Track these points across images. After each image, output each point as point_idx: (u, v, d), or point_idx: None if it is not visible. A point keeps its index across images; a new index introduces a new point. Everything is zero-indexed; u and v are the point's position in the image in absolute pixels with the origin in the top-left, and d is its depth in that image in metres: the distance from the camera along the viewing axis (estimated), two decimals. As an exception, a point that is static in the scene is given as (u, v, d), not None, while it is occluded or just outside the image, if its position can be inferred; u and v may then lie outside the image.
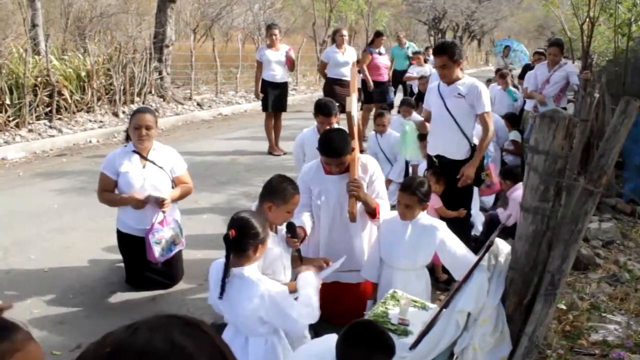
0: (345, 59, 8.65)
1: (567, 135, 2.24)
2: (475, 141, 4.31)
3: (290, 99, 11.66)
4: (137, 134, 3.97)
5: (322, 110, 4.37)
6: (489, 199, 6.12)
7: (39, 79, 9.25)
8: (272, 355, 2.57)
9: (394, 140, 6.07)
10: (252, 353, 2.56)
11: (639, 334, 3.27)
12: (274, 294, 2.52)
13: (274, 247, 3.11)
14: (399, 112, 6.70)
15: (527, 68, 9.88)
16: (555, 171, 2.25)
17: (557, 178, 2.25)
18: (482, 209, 5.70)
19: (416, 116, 6.23)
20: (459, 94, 4.16)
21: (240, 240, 2.54)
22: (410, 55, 11.65)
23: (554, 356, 2.85)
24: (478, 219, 5.24)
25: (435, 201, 4.30)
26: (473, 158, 4.18)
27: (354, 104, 3.58)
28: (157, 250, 3.88)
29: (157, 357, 0.80)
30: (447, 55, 4.15)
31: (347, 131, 3.55)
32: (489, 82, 9.44)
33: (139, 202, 3.89)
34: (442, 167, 4.43)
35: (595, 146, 5.92)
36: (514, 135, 7.15)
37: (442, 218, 4.06)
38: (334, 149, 3.37)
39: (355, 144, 3.51)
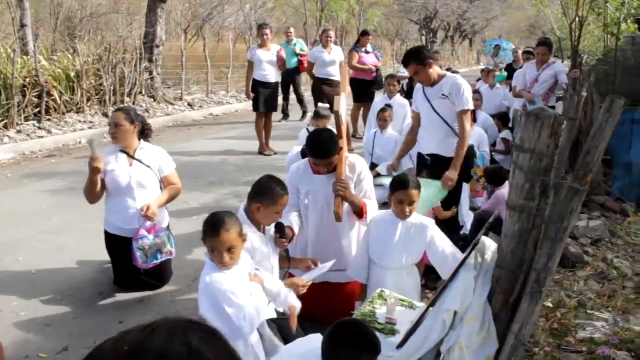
0: (331, 58, 8.73)
1: (553, 134, 2.24)
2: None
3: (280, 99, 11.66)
4: (110, 132, 4.06)
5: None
6: (482, 199, 6.13)
7: (27, 80, 9.19)
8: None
9: (393, 141, 6.08)
10: None
11: (625, 331, 3.29)
12: (217, 290, 2.54)
13: (262, 247, 3.11)
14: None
15: (509, 67, 9.93)
16: (540, 169, 2.25)
17: (543, 176, 2.26)
18: (473, 208, 5.72)
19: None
20: (442, 94, 4.14)
21: (203, 227, 2.62)
22: (298, 52, 10.68)
23: (541, 354, 2.85)
24: (468, 219, 5.25)
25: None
26: (453, 161, 4.14)
27: (342, 103, 3.58)
28: (139, 257, 3.85)
29: (174, 359, 0.81)
30: (414, 62, 4.13)
31: (336, 131, 3.55)
32: (478, 80, 9.49)
33: (93, 167, 3.83)
34: (436, 166, 4.42)
35: (583, 144, 5.94)
36: (506, 134, 7.18)
37: (434, 218, 4.07)
38: (323, 150, 3.37)
39: (343, 143, 3.51)
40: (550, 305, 3.41)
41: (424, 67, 4.11)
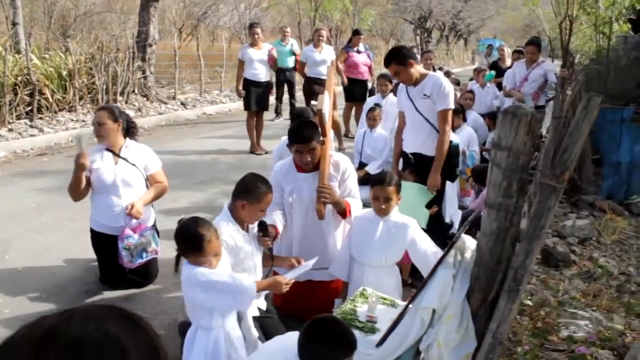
0: (322, 58, 8.75)
1: (530, 131, 2.25)
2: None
3: (272, 98, 11.64)
4: (94, 131, 4.06)
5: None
6: (470, 199, 6.14)
7: (19, 78, 9.17)
8: (215, 349, 2.58)
9: (382, 140, 6.07)
10: (197, 344, 2.59)
11: (608, 330, 3.30)
12: (211, 276, 2.58)
13: (245, 246, 3.11)
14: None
15: (494, 65, 9.93)
16: (518, 167, 2.26)
17: (520, 174, 2.27)
18: (462, 207, 5.72)
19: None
20: (424, 94, 4.15)
21: (177, 241, 2.65)
22: (295, 52, 10.41)
23: (521, 351, 2.86)
24: (457, 218, 5.25)
25: None
26: (434, 164, 4.16)
27: (326, 101, 3.59)
28: (125, 256, 3.87)
29: (89, 346, 0.80)
30: (394, 62, 4.15)
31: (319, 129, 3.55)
32: (471, 80, 9.51)
33: (79, 164, 3.83)
34: (420, 165, 4.43)
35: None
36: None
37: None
38: (302, 134, 3.41)
39: (327, 141, 3.51)
40: (530, 304, 3.42)
41: (405, 67, 4.13)
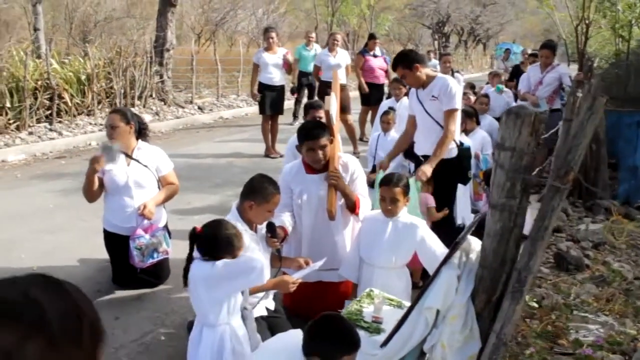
0: (337, 62, 8.76)
1: (533, 132, 2.24)
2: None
3: (289, 102, 11.69)
4: (107, 134, 4.10)
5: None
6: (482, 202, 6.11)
7: (39, 83, 9.33)
8: (221, 344, 2.60)
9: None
10: (203, 342, 2.61)
11: (620, 334, 3.26)
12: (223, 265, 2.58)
13: (254, 246, 3.13)
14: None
15: (516, 69, 9.87)
16: (521, 167, 2.25)
17: (524, 174, 2.26)
18: (475, 211, 5.68)
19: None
20: (433, 96, 4.16)
21: (204, 247, 2.63)
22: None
23: (527, 353, 2.84)
24: (468, 222, 5.22)
25: (430, 200, 4.30)
26: (430, 157, 4.13)
27: (332, 103, 3.61)
28: (136, 256, 3.92)
29: (7, 307, 0.85)
30: (400, 66, 4.19)
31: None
32: (487, 84, 9.45)
33: (91, 167, 3.89)
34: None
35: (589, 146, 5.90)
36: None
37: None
38: (311, 131, 3.45)
39: (335, 141, 3.53)
40: (537, 306, 3.39)
41: (410, 71, 4.16)
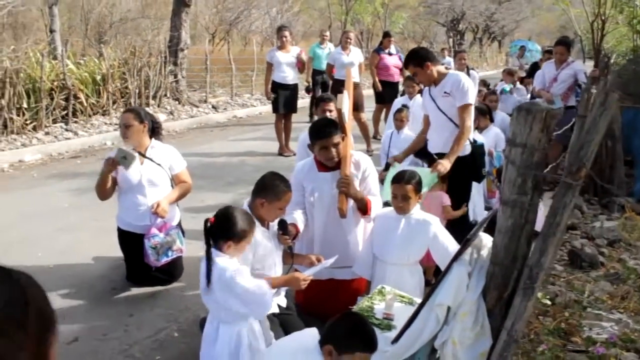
0: (350, 60, 8.75)
1: (545, 128, 2.23)
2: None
3: (304, 101, 11.71)
4: (121, 133, 4.15)
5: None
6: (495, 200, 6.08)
7: (55, 83, 9.44)
8: (238, 342, 2.61)
9: (409, 141, 6.05)
10: (220, 340, 2.61)
11: (635, 332, 3.23)
12: (237, 281, 2.58)
13: (265, 242, 3.14)
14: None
15: (535, 67, 9.79)
16: (532, 164, 2.24)
17: (535, 171, 2.24)
18: (489, 208, 5.66)
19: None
20: (445, 92, 4.15)
21: (216, 231, 2.65)
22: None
23: (539, 351, 2.82)
24: (481, 219, 5.19)
25: (445, 199, 4.29)
26: (449, 152, 4.12)
27: (345, 101, 3.61)
28: (151, 255, 3.96)
29: None
30: (411, 64, 4.22)
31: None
32: (501, 81, 9.39)
33: (107, 166, 3.95)
34: None
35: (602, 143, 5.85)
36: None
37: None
38: (322, 129, 3.45)
39: (347, 139, 3.53)
40: (549, 303, 3.37)
41: (422, 68, 4.16)
